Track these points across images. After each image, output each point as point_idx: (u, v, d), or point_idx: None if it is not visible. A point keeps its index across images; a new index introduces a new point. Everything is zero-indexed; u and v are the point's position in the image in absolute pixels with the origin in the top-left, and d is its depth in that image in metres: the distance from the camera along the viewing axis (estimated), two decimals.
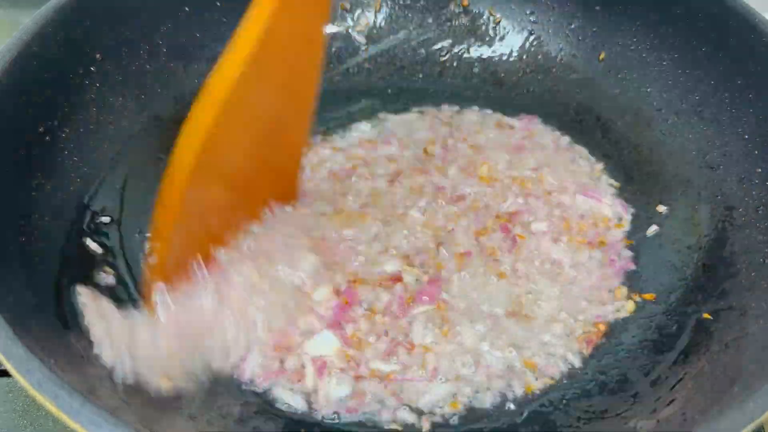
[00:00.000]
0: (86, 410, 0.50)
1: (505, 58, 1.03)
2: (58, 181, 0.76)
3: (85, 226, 0.78)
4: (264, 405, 0.69)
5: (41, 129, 0.75)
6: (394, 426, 0.68)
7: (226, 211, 0.74)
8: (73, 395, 0.51)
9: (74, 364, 0.62)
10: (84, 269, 0.75)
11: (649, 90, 0.94)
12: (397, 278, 0.78)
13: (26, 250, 0.68)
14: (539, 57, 1.02)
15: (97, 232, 0.79)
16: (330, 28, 1.03)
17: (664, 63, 0.92)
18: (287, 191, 0.83)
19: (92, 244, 0.77)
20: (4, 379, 0.77)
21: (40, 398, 0.51)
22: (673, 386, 0.69)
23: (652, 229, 0.85)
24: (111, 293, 0.74)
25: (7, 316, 0.56)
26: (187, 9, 0.93)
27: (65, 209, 0.76)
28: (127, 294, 0.76)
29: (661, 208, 0.86)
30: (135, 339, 0.66)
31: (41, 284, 0.68)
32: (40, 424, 0.75)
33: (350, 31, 1.04)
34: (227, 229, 0.75)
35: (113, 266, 0.77)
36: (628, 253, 0.83)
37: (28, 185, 0.72)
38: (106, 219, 0.80)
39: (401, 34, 1.05)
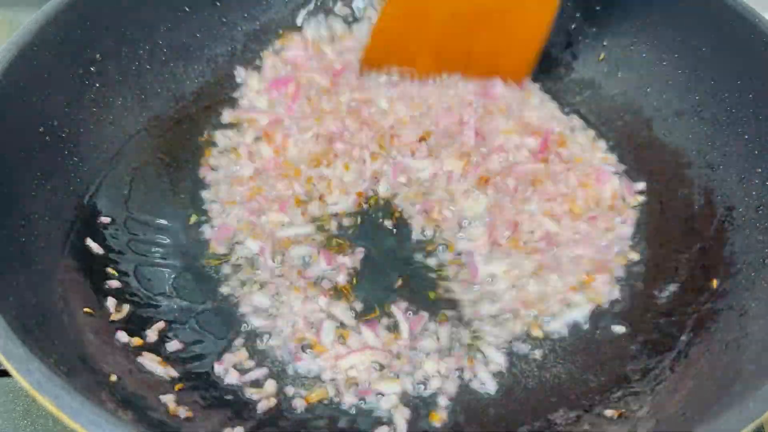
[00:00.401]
0: (86, 410, 0.51)
1: None
2: (58, 181, 0.76)
3: (85, 226, 0.78)
4: None
5: (41, 129, 0.75)
6: None
7: (441, 37, 0.91)
8: (73, 395, 0.51)
9: (74, 365, 0.62)
10: (84, 269, 0.75)
11: (649, 90, 0.94)
12: None
13: (26, 250, 0.68)
14: (539, 57, 1.02)
15: (97, 232, 0.79)
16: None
17: (664, 63, 0.92)
18: (517, 63, 0.92)
19: (92, 244, 0.77)
20: (5, 380, 0.77)
21: (40, 398, 0.52)
22: (673, 386, 0.69)
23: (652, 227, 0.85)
24: (114, 294, 0.75)
25: (7, 316, 0.56)
26: (187, 9, 0.93)
27: (65, 209, 0.76)
28: (129, 294, 0.76)
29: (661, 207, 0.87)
30: None
31: (41, 284, 0.68)
32: (40, 424, 0.75)
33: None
34: (433, 57, 0.92)
35: (114, 266, 0.77)
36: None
37: (28, 185, 0.72)
38: (106, 219, 0.80)
39: None
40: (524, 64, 0.95)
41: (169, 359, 0.72)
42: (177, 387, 0.69)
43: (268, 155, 0.89)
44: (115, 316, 0.73)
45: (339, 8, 1.02)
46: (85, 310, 0.71)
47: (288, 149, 0.90)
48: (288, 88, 0.95)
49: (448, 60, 0.94)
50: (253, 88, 0.96)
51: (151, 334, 0.73)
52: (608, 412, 0.69)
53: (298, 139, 0.90)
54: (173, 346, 0.73)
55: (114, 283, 0.76)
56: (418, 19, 0.91)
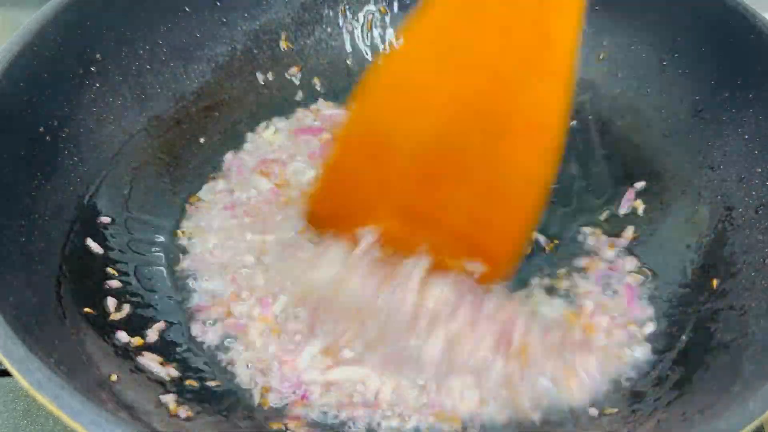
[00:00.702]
0: (86, 410, 0.50)
1: None
2: (58, 181, 0.76)
3: (85, 226, 0.78)
4: None
5: (41, 129, 0.75)
6: None
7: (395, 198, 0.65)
8: (73, 395, 0.51)
9: (74, 365, 0.62)
10: (84, 269, 0.75)
11: (649, 90, 0.94)
12: None
13: (26, 250, 0.68)
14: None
15: (97, 232, 0.79)
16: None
17: (664, 63, 0.92)
18: (496, 256, 0.66)
19: (92, 244, 0.77)
20: (5, 379, 0.77)
21: (40, 398, 0.51)
22: (673, 386, 0.69)
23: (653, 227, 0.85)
24: (115, 294, 0.75)
25: (7, 316, 0.56)
26: (187, 9, 0.93)
27: (65, 209, 0.76)
28: (129, 294, 0.76)
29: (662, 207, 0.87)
30: None
31: (41, 284, 0.68)
32: (40, 424, 0.75)
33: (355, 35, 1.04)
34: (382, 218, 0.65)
35: (114, 266, 0.77)
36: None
37: (28, 185, 0.72)
38: (106, 219, 0.80)
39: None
40: (512, 241, 0.69)
41: (169, 359, 0.72)
42: (177, 387, 0.69)
43: None
44: (115, 316, 0.73)
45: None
46: (86, 310, 0.71)
47: None
48: None
49: (418, 222, 0.67)
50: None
51: (152, 334, 0.73)
52: (608, 412, 0.69)
53: None
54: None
55: (114, 283, 0.76)
56: (377, 158, 0.64)
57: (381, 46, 1.04)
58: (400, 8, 1.04)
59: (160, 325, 0.74)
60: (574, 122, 0.96)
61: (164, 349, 0.73)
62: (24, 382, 0.52)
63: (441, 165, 0.63)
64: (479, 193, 0.64)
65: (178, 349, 0.74)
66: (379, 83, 0.63)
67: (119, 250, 0.79)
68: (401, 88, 0.62)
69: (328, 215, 0.70)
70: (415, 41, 0.60)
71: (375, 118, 0.63)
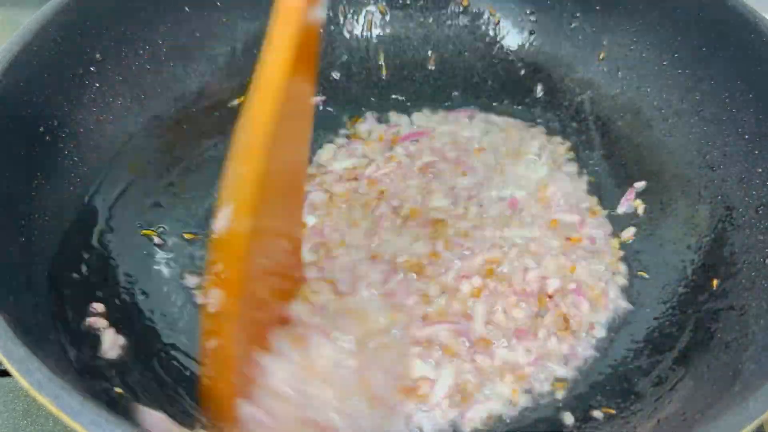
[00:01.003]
0: (86, 410, 0.50)
1: (504, 57, 1.03)
2: (58, 181, 0.76)
3: (85, 226, 0.78)
4: None
5: (41, 129, 0.75)
6: None
7: (267, 310, 0.70)
8: (73, 395, 0.51)
9: (74, 365, 0.62)
10: (84, 269, 0.75)
11: (649, 90, 0.94)
12: None
13: (26, 250, 0.68)
14: (539, 57, 1.02)
15: (97, 232, 0.79)
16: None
17: (664, 63, 0.92)
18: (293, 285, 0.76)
19: (92, 244, 0.77)
20: (5, 380, 0.77)
21: (40, 398, 0.51)
22: (673, 386, 0.69)
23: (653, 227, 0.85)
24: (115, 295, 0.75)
25: (7, 316, 0.56)
26: (187, 9, 0.93)
27: (65, 209, 0.76)
28: (129, 295, 0.76)
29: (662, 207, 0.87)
30: None
31: (41, 284, 0.68)
32: (40, 424, 0.75)
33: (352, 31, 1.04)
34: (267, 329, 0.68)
35: (114, 266, 0.77)
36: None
37: (28, 185, 0.72)
38: (106, 219, 0.80)
39: (402, 34, 1.05)
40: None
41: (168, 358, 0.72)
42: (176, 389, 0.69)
43: None
44: (115, 316, 0.73)
45: None
46: (85, 310, 0.71)
47: None
48: None
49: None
50: None
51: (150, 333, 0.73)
52: (608, 412, 0.69)
53: None
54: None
55: (114, 284, 0.76)
56: None
57: (381, 46, 1.04)
58: (400, 8, 1.05)
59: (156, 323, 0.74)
60: (574, 123, 0.97)
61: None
62: (24, 382, 0.52)
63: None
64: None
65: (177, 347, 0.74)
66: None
67: (119, 250, 0.79)
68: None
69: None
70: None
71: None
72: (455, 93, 1.02)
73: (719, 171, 0.84)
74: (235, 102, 0.94)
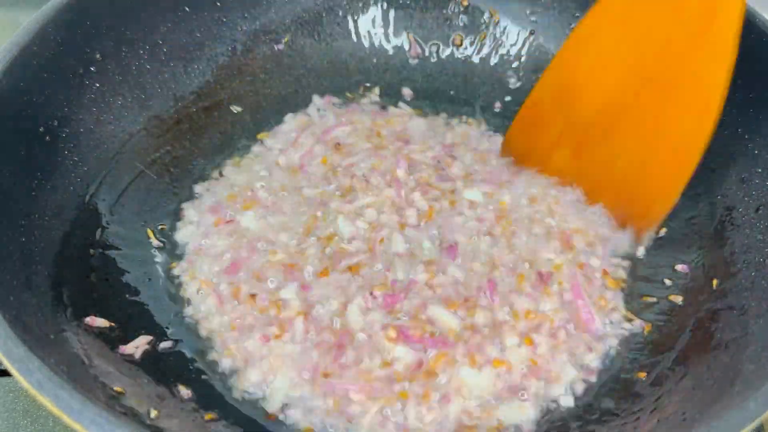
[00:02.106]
0: (86, 410, 0.50)
1: (504, 57, 1.03)
2: (58, 181, 0.76)
3: (85, 226, 0.78)
4: None
5: (41, 129, 0.75)
6: None
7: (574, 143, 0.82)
8: (73, 395, 0.51)
9: (74, 365, 0.62)
10: (84, 269, 0.75)
11: None
12: None
13: (26, 250, 0.68)
14: (539, 57, 1.02)
15: (98, 232, 0.79)
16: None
17: None
18: (649, 205, 0.80)
19: (92, 244, 0.77)
20: (5, 379, 0.77)
21: (40, 398, 0.51)
22: (673, 386, 0.69)
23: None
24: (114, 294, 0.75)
25: (7, 316, 0.56)
26: (187, 9, 0.93)
27: (65, 209, 0.76)
28: (129, 294, 0.76)
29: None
30: None
31: (41, 284, 0.68)
32: (40, 423, 0.75)
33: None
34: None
35: (114, 266, 0.77)
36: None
37: (28, 185, 0.72)
38: (106, 219, 0.80)
39: (401, 34, 1.05)
40: (666, 192, 0.79)
41: (167, 361, 0.72)
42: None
43: None
44: (114, 316, 0.73)
45: None
46: (85, 310, 0.71)
47: None
48: None
49: (588, 162, 0.84)
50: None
51: (149, 333, 0.73)
52: (608, 412, 0.69)
53: None
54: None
55: (113, 283, 0.76)
56: (567, 105, 0.84)
57: (381, 46, 1.04)
58: (400, 8, 1.05)
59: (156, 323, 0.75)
60: None
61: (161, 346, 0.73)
62: (24, 382, 0.52)
63: (616, 117, 0.80)
64: (644, 146, 0.79)
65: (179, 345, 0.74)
66: (573, 47, 0.82)
67: (119, 250, 0.79)
68: (591, 53, 0.81)
69: (522, 144, 0.90)
70: (602, 15, 0.78)
71: (569, 74, 0.83)
72: (453, 93, 1.02)
73: (719, 171, 0.84)
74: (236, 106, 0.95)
